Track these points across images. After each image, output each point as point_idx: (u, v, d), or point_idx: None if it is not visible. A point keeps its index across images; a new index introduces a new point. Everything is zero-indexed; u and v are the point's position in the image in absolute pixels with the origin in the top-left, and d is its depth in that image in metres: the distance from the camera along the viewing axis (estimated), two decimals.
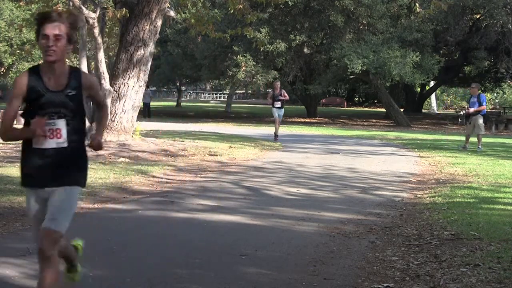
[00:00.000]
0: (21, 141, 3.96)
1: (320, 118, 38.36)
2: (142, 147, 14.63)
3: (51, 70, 3.79)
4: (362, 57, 29.27)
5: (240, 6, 17.21)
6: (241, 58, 31.73)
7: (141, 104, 21.98)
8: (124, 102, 15.19)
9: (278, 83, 19.88)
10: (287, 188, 9.82)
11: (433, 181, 11.08)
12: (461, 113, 17.22)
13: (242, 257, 5.55)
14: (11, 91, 3.89)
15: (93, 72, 15.83)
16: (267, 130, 27.09)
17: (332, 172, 12.12)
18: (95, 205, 7.99)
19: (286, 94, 19.58)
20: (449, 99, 62.16)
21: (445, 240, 6.22)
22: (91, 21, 14.79)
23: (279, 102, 19.26)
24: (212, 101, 70.18)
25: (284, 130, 27.55)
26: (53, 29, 3.71)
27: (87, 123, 16.31)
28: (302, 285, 4.80)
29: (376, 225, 7.12)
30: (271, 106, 19.73)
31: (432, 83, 44.43)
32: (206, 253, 5.66)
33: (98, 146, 4.33)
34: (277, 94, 19.27)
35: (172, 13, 17.17)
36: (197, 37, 29.27)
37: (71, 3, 15.74)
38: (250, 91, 70.54)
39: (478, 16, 35.09)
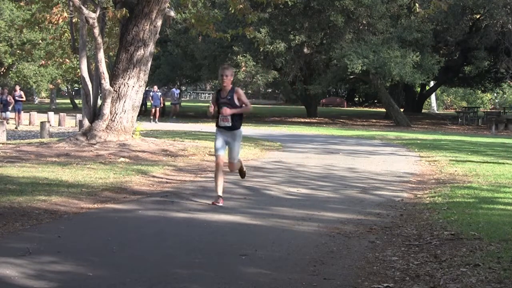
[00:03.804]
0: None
1: (320, 118, 38.35)
2: (142, 147, 14.63)
3: None
4: (362, 57, 29.26)
5: (241, 6, 17.20)
6: (241, 58, 31.73)
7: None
8: (124, 102, 15.18)
9: (227, 72, 8.30)
10: (287, 188, 9.82)
11: (433, 181, 11.08)
12: None
13: (242, 257, 5.55)
14: None
15: (93, 72, 15.82)
16: (267, 130, 27.09)
17: (332, 172, 12.12)
18: (95, 205, 8.00)
19: (244, 99, 8.39)
20: (449, 99, 62.16)
21: (445, 240, 6.22)
22: (91, 21, 14.79)
23: (228, 118, 8.27)
24: None
25: (284, 130, 27.56)
26: None
27: (87, 123, 16.36)
28: (302, 285, 4.80)
29: (376, 225, 7.12)
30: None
31: (432, 83, 44.44)
32: (206, 253, 5.66)
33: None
34: (223, 98, 8.31)
35: (172, 13, 17.17)
36: (198, 37, 29.28)
37: (71, 3, 15.74)
38: (250, 91, 70.69)
39: (478, 16, 35.08)
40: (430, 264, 5.42)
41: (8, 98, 28.90)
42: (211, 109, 8.39)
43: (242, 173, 9.05)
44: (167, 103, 38.80)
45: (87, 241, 6.05)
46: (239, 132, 8.40)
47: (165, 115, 35.59)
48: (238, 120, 8.34)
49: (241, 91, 8.43)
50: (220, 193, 8.21)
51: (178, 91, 34.48)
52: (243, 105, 8.35)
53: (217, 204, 8.05)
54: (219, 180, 8.22)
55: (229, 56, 32.76)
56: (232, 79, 8.37)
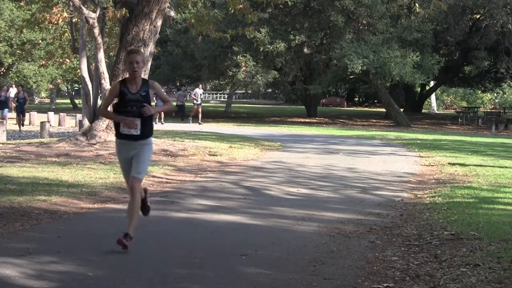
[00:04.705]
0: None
1: (320, 118, 38.35)
2: None
3: None
4: (362, 57, 29.27)
5: (241, 6, 17.21)
6: (241, 58, 31.73)
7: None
8: None
9: (138, 57, 5.94)
10: (287, 188, 9.82)
11: (433, 181, 11.08)
12: None
13: (242, 257, 5.55)
14: None
15: (93, 72, 15.81)
16: (267, 130, 27.09)
17: (332, 172, 12.12)
18: (95, 205, 7.99)
19: (164, 95, 6.32)
20: (449, 99, 62.15)
21: (445, 240, 6.22)
22: (91, 21, 14.79)
23: (137, 124, 5.89)
24: (212, 101, 70.19)
25: (284, 130, 27.55)
26: None
27: (87, 123, 16.34)
28: (302, 285, 4.80)
29: (376, 225, 7.12)
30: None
31: (432, 83, 44.45)
32: (206, 253, 5.66)
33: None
34: (134, 93, 5.93)
35: (172, 13, 17.17)
36: (198, 37, 29.27)
37: (71, 3, 15.74)
38: (250, 91, 70.71)
39: (478, 16, 35.09)
40: (430, 264, 5.42)
41: (7, 96, 28.58)
42: (111, 109, 6.13)
43: (144, 206, 6.30)
44: (189, 104, 37.42)
45: (87, 241, 6.04)
46: (149, 142, 6.04)
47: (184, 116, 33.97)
48: (149, 126, 6.03)
49: (158, 85, 6.20)
50: (131, 231, 5.75)
51: (201, 91, 33.07)
52: (165, 102, 6.25)
53: (124, 242, 5.62)
54: (135, 211, 5.90)
55: (229, 56, 32.75)
56: (143, 67, 6.19)
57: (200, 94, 31.42)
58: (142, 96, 5.90)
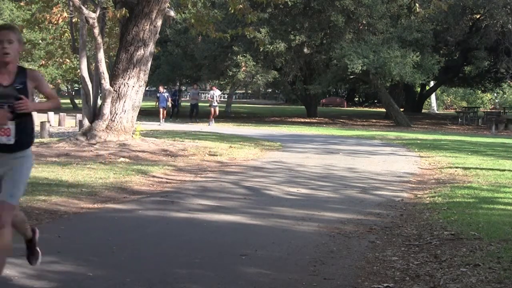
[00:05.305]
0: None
1: (320, 118, 38.34)
2: (142, 147, 14.64)
3: None
4: (362, 57, 29.27)
5: (241, 6, 17.22)
6: (241, 58, 31.72)
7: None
8: (124, 102, 15.19)
9: (9, 34, 4.26)
10: (287, 188, 9.82)
11: (433, 181, 11.08)
12: None
13: (242, 257, 5.55)
14: None
15: (93, 72, 15.81)
16: (267, 130, 27.09)
17: (332, 172, 12.12)
18: (95, 205, 7.99)
19: (48, 89, 4.56)
20: (449, 99, 62.15)
21: (445, 240, 6.22)
22: (91, 21, 14.80)
23: (10, 129, 4.15)
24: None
25: (284, 130, 27.55)
26: None
27: (87, 123, 16.33)
28: (302, 285, 4.80)
29: (376, 225, 7.12)
30: None
31: (432, 83, 44.45)
32: (206, 253, 5.66)
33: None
34: (5, 85, 4.22)
35: (172, 13, 17.18)
36: (198, 37, 29.27)
37: (71, 3, 15.75)
38: (250, 91, 70.72)
39: (478, 16, 35.09)
40: (430, 264, 5.42)
41: None
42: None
43: (32, 250, 4.67)
44: (203, 104, 36.82)
45: (87, 241, 6.04)
46: (27, 154, 4.32)
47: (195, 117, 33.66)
48: (28, 132, 4.30)
49: (40, 75, 4.50)
50: None
51: (219, 92, 32.42)
52: (49, 98, 4.51)
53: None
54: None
55: (229, 56, 32.75)
56: (19, 49, 4.34)
57: (217, 96, 31.02)
58: (18, 89, 4.22)
